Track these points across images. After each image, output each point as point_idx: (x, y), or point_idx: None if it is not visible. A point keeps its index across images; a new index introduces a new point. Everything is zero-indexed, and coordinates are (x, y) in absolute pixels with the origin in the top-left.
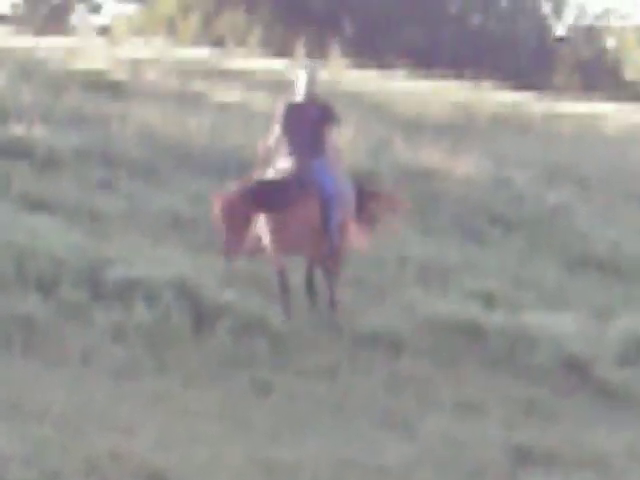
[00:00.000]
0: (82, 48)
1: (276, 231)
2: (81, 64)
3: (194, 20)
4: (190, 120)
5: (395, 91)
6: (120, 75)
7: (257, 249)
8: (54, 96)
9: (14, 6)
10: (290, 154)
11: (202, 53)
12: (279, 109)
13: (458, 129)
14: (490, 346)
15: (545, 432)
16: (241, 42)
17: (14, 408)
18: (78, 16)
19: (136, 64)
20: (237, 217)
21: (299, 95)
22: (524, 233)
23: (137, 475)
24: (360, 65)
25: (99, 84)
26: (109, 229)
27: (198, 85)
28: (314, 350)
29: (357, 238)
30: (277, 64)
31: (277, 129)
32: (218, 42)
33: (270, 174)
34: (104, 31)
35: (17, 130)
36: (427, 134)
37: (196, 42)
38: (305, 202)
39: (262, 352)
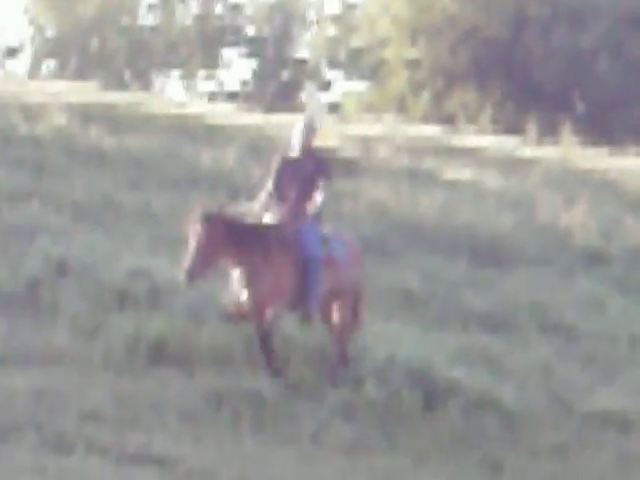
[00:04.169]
0: None
1: (251, 283)
2: None
3: (424, 98)
4: (421, 197)
5: (626, 169)
6: (351, 152)
7: (243, 312)
8: None
9: (244, 83)
10: (279, 210)
11: (433, 130)
12: (274, 164)
13: None
14: None
15: None
16: (472, 120)
17: None
18: (308, 93)
19: (367, 141)
20: (211, 242)
21: (294, 149)
22: None
23: None
24: (591, 143)
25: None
26: None
27: (429, 162)
28: (544, 428)
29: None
30: (508, 142)
31: (270, 185)
32: (448, 120)
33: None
34: (334, 108)
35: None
36: None
37: (426, 119)
38: (282, 258)
39: (493, 430)
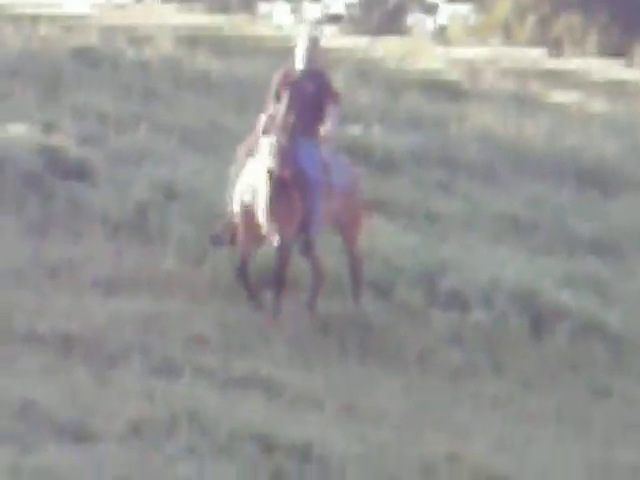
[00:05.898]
0: (418, 49)
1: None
2: (418, 65)
3: (530, 22)
4: (527, 122)
5: None
6: (457, 77)
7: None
8: (391, 97)
9: (349, 6)
10: (276, 130)
11: (538, 55)
12: (274, 79)
13: None
14: None
15: None
16: (577, 44)
17: (351, 411)
18: (413, 17)
19: (472, 66)
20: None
21: (297, 64)
22: None
23: (474, 478)
24: None
25: (436, 85)
26: (446, 231)
27: (534, 87)
28: None
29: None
30: (614, 66)
31: (270, 102)
32: (554, 44)
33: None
34: (440, 32)
35: (354, 131)
36: None
37: (531, 44)
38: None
39: (600, 355)
